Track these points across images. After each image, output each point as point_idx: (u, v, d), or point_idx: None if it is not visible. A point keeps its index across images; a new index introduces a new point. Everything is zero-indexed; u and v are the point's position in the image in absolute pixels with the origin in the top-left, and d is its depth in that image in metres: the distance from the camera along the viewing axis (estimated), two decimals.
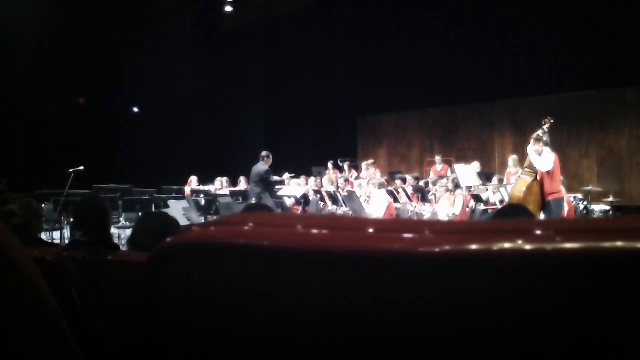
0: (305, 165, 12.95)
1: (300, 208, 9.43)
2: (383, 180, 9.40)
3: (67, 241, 7.68)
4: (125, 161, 13.89)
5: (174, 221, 2.74)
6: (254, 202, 8.40)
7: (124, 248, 4.71)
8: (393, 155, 14.81)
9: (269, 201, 8.27)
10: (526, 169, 6.99)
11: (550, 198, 6.72)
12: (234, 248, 0.48)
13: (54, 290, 0.64)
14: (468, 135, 13.34)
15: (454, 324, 0.40)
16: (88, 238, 2.87)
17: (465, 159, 11.79)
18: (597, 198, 9.57)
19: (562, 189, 7.10)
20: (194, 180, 11.53)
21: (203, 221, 5.71)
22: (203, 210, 8.34)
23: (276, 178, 9.17)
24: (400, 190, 9.11)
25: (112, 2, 13.99)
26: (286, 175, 9.26)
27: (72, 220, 3.06)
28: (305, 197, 9.62)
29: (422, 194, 9.32)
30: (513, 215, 2.43)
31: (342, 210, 8.74)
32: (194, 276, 0.50)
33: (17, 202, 2.90)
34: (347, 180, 11.54)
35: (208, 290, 0.50)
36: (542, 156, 6.76)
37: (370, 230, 0.44)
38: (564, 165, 8.03)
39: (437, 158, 12.09)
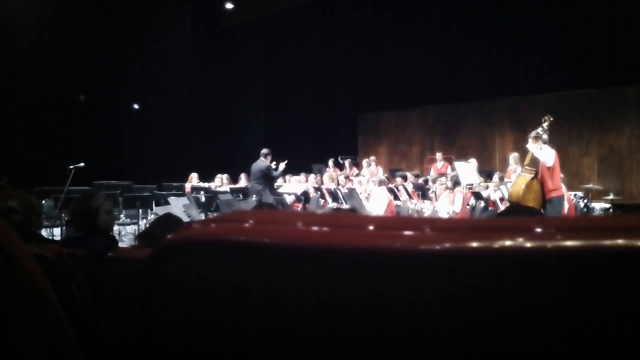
0: (306, 162, 12.94)
1: (301, 205, 9.44)
2: (383, 177, 9.40)
3: None
4: (125, 158, 13.91)
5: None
6: (254, 198, 8.41)
7: (122, 244, 4.72)
8: (393, 153, 14.81)
9: (269, 198, 8.28)
10: (526, 167, 6.99)
11: (550, 196, 6.72)
12: (235, 245, 0.48)
13: (54, 287, 0.64)
14: (468, 132, 13.33)
15: (455, 321, 0.40)
16: (81, 233, 2.89)
17: (466, 156, 11.77)
18: (598, 196, 9.57)
19: (562, 186, 7.10)
20: (194, 177, 11.52)
21: (203, 218, 5.72)
22: (203, 207, 8.35)
23: (277, 172, 9.19)
24: (400, 187, 9.11)
25: None
26: (281, 165, 9.25)
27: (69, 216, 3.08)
28: (305, 194, 9.63)
29: (423, 192, 9.31)
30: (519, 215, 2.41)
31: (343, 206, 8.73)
32: (195, 273, 0.50)
33: (17, 198, 2.89)
34: (347, 178, 11.54)
35: (208, 287, 0.50)
36: (544, 150, 6.77)
37: (371, 228, 0.44)
38: (564, 163, 8.04)
39: (438, 155, 12.08)
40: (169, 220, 2.82)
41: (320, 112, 15.64)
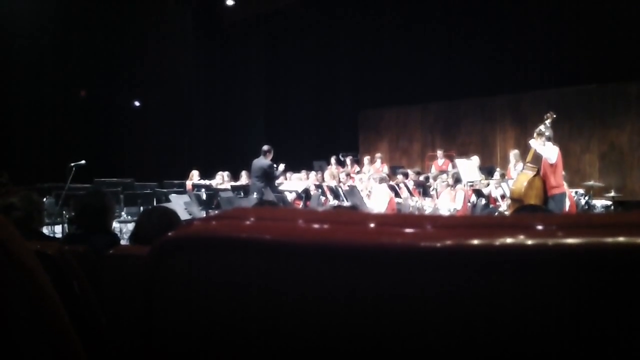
0: (307, 159, 12.94)
1: (302, 202, 9.44)
2: (384, 174, 9.40)
3: None
4: (126, 155, 13.91)
5: (176, 215, 2.74)
6: (255, 196, 8.41)
7: (123, 242, 4.73)
8: (394, 150, 14.80)
9: (270, 195, 8.28)
10: (528, 164, 6.98)
11: (552, 193, 6.71)
12: (235, 242, 0.48)
13: (55, 284, 0.64)
14: (469, 129, 13.32)
15: (455, 318, 0.40)
16: (83, 230, 2.89)
17: (467, 153, 11.77)
18: (599, 193, 9.55)
19: (564, 183, 7.09)
20: (195, 174, 11.53)
21: (204, 215, 5.72)
22: (204, 204, 8.35)
23: (277, 173, 9.20)
24: (401, 184, 9.11)
25: None
26: (281, 166, 9.27)
27: (72, 213, 3.09)
28: (306, 191, 9.63)
29: (424, 189, 9.31)
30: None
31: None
32: (195, 270, 0.50)
33: (18, 195, 2.90)
34: (348, 175, 11.54)
35: (209, 284, 0.50)
36: (547, 147, 6.76)
37: (372, 225, 0.44)
38: (565, 160, 8.02)
39: (439, 152, 12.07)
40: (153, 212, 2.83)
41: (320, 110, 15.64)
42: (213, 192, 9.08)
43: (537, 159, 6.95)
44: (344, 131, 15.40)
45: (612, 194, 9.00)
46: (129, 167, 12.77)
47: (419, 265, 0.41)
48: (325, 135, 15.27)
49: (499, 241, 0.39)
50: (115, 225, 7.70)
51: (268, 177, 8.83)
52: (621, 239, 0.36)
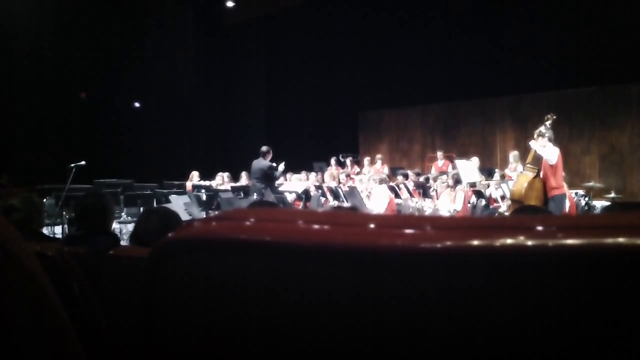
0: (307, 160, 12.94)
1: (302, 203, 9.43)
2: (384, 175, 9.40)
3: None
4: (126, 156, 13.89)
5: (175, 216, 2.74)
6: (255, 197, 8.41)
7: (123, 243, 4.73)
8: (394, 151, 14.81)
9: (270, 196, 8.28)
10: (528, 165, 6.98)
11: (552, 194, 6.71)
12: (235, 243, 0.48)
13: (55, 285, 0.64)
14: (469, 130, 13.32)
15: (455, 320, 0.40)
16: (84, 232, 2.89)
17: (467, 154, 11.76)
18: (599, 194, 9.55)
19: (564, 185, 7.09)
20: (195, 175, 11.53)
21: (204, 216, 5.72)
22: (204, 205, 8.35)
23: (277, 173, 9.19)
24: (401, 185, 9.11)
25: None
26: (281, 166, 9.27)
27: (72, 214, 3.09)
28: (306, 192, 9.62)
29: (424, 190, 9.31)
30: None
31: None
32: (195, 272, 0.50)
33: (18, 196, 2.90)
34: (348, 176, 11.54)
35: (209, 285, 0.50)
36: (547, 148, 6.76)
37: (372, 226, 0.44)
38: (565, 161, 8.02)
39: (439, 154, 12.07)
40: (153, 212, 2.84)
41: (320, 111, 15.64)
42: (213, 193, 9.08)
43: (537, 160, 6.95)
44: (344, 132, 15.40)
45: (612, 195, 9.00)
46: (128, 167, 12.76)
47: (419, 267, 0.41)
48: (325, 136, 15.28)
49: (499, 242, 0.39)
50: (116, 226, 7.70)
51: (268, 178, 8.83)
52: (621, 240, 0.36)
